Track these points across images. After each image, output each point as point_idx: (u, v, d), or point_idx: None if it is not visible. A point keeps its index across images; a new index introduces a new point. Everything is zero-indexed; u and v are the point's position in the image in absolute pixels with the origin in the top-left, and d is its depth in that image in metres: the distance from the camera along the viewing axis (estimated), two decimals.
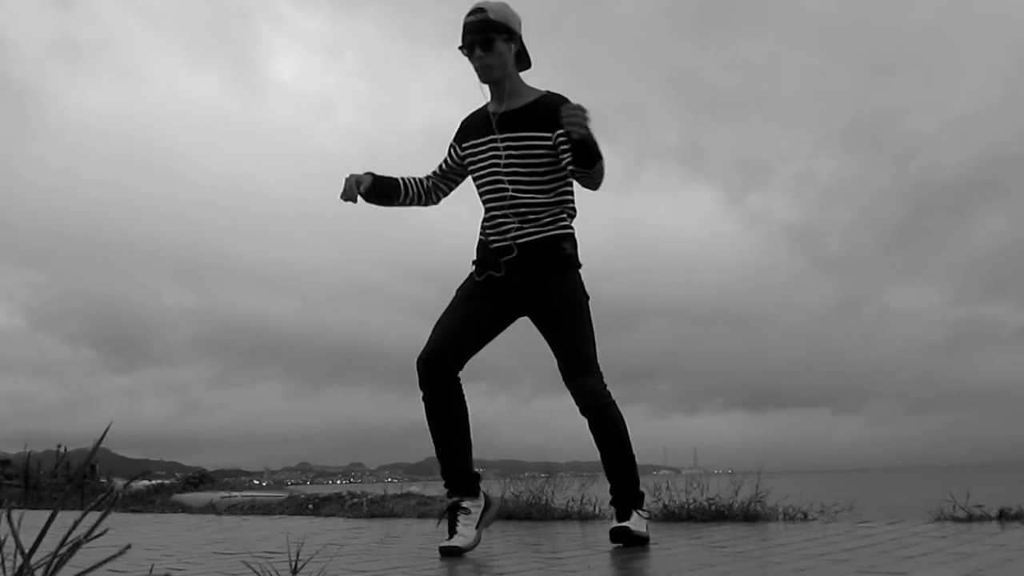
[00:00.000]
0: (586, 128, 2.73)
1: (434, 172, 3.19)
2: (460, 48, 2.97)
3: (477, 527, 2.90)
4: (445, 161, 3.18)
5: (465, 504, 2.92)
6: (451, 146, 3.17)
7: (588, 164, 2.80)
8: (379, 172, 3.09)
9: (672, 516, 3.78)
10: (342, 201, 3.01)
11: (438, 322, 3.02)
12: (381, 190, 3.06)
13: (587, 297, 2.99)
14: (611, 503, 3.02)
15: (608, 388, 2.96)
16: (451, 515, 2.91)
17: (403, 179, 3.13)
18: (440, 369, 2.95)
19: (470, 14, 2.95)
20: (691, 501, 3.80)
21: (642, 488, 3.03)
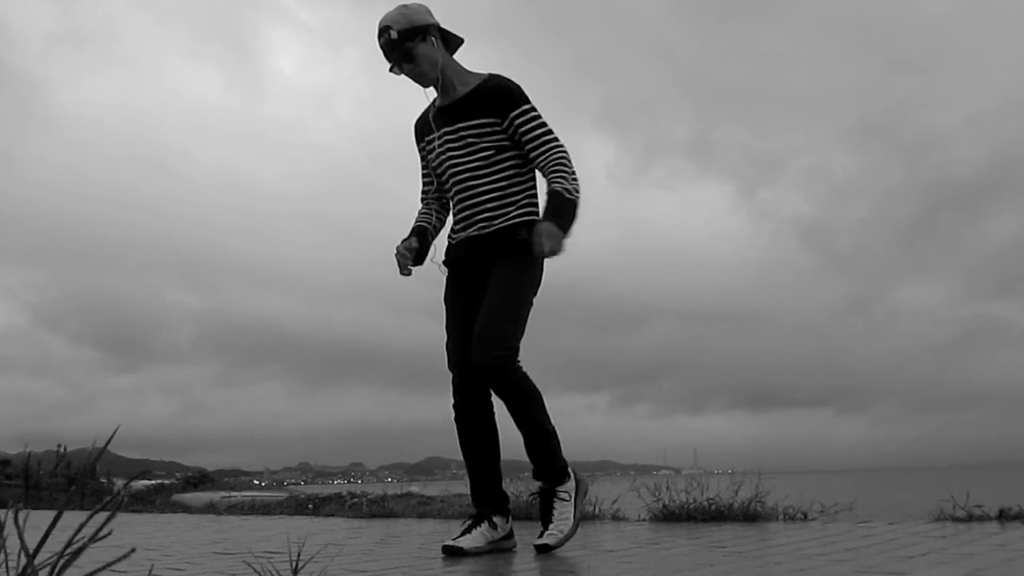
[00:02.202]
0: (556, 249, 2.75)
1: (426, 191, 3.18)
2: (390, 71, 2.96)
3: (489, 543, 2.88)
4: (423, 172, 3.18)
5: (495, 519, 2.92)
6: (419, 151, 3.16)
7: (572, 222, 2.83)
8: (414, 227, 3.12)
9: (672, 516, 3.78)
10: (402, 276, 3.04)
11: (449, 338, 3.01)
12: (424, 246, 3.10)
13: (533, 285, 2.93)
14: (533, 476, 2.97)
15: (513, 363, 2.83)
16: (475, 521, 2.91)
17: (427, 224, 3.13)
18: (476, 383, 2.93)
19: (379, 37, 2.93)
20: (691, 501, 3.80)
21: (571, 471, 2.95)
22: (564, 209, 2.80)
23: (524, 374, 2.87)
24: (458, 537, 2.86)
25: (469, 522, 2.93)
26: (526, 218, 2.94)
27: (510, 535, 2.98)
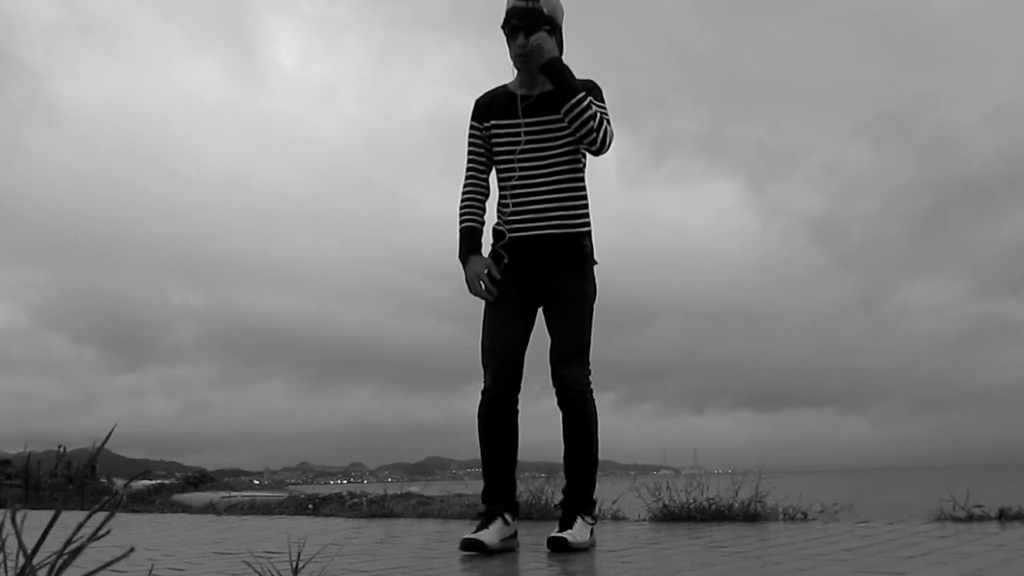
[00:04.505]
0: (550, 52, 2.83)
1: (474, 172, 3.11)
2: (502, 27, 2.96)
3: (503, 540, 2.87)
4: (475, 150, 3.10)
5: (507, 516, 2.92)
6: (473, 128, 3.10)
7: (563, 92, 2.86)
8: (466, 228, 3.06)
9: (672, 516, 3.78)
10: (475, 295, 2.99)
11: (491, 332, 2.98)
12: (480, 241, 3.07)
13: (595, 293, 3.00)
14: (561, 503, 3.00)
15: (592, 386, 2.95)
16: (488, 517, 2.90)
17: (477, 222, 3.08)
18: (511, 384, 2.95)
19: None
20: (691, 501, 3.80)
21: (596, 496, 3.01)
22: (568, 73, 2.88)
23: (593, 399, 2.95)
24: (477, 531, 2.85)
25: (485, 517, 2.92)
26: (588, 227, 3.00)
27: (515, 535, 2.98)
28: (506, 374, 2.94)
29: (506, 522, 2.90)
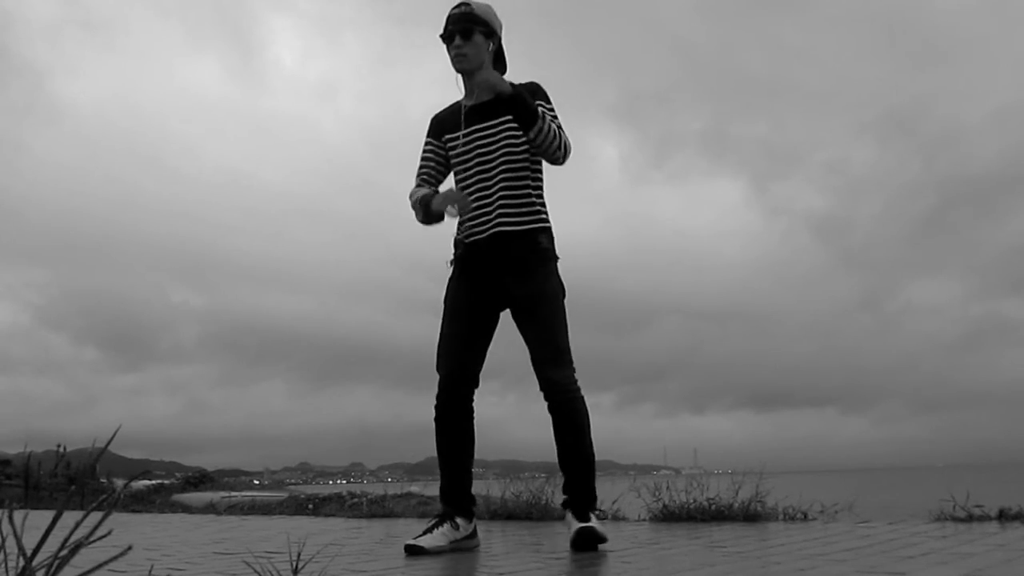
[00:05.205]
0: (500, 86, 2.84)
1: (423, 180, 3.17)
2: (440, 36, 3.04)
3: (451, 542, 2.92)
4: (426, 162, 3.18)
5: (457, 520, 2.96)
6: (428, 143, 3.17)
7: (527, 122, 2.88)
8: (422, 196, 3.07)
9: (672, 516, 3.78)
10: (446, 213, 2.97)
11: (443, 340, 3.03)
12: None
13: (563, 290, 3.00)
14: (563, 504, 3.00)
15: (578, 383, 2.95)
16: (438, 521, 2.96)
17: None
18: (461, 391, 3.00)
19: (455, 7, 3.03)
20: (691, 501, 3.80)
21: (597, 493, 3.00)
22: (527, 103, 2.88)
23: (582, 396, 2.95)
24: (419, 536, 2.91)
25: (433, 522, 2.98)
26: (544, 223, 3.00)
27: (473, 535, 3.03)
28: (455, 378, 2.99)
29: (455, 526, 2.95)
